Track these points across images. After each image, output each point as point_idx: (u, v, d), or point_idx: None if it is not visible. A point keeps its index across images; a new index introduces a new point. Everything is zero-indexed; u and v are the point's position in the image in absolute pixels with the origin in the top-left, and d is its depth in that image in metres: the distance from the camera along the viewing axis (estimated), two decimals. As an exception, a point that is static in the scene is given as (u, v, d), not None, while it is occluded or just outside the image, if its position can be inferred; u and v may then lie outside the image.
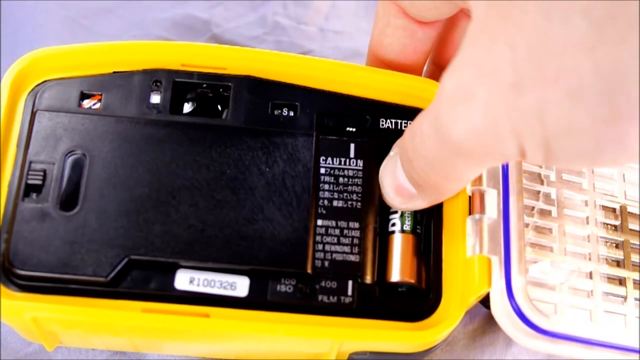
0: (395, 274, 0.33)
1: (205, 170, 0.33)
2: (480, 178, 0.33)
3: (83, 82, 0.34)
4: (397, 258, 0.33)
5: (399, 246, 0.33)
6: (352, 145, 0.34)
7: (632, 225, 0.35)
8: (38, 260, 0.31)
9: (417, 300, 0.33)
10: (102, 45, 0.35)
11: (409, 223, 0.34)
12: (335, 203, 0.33)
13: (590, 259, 0.34)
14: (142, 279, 0.32)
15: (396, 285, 0.33)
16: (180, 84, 0.35)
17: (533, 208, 0.34)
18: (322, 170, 0.34)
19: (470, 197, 0.33)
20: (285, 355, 0.34)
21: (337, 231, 0.33)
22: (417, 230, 0.34)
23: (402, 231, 0.34)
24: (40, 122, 0.33)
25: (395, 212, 0.34)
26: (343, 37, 0.45)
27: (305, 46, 0.45)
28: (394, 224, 0.34)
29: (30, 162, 0.33)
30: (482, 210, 0.33)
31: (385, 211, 0.34)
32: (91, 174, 0.33)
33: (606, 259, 0.35)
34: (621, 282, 0.34)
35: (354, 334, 0.31)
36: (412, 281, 0.33)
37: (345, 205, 0.33)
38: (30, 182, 0.32)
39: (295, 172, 0.33)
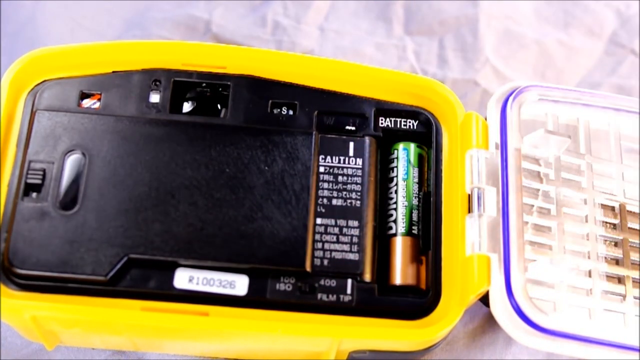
0: (396, 278, 0.33)
1: (205, 169, 0.33)
2: (479, 176, 0.33)
3: (82, 81, 0.34)
4: (396, 262, 0.33)
5: (398, 249, 0.33)
6: (352, 144, 0.34)
7: (631, 223, 0.35)
8: (37, 259, 0.31)
9: (417, 299, 0.33)
10: (102, 45, 0.35)
11: (404, 225, 0.34)
12: (334, 202, 0.33)
13: (589, 258, 0.34)
14: (142, 278, 0.32)
15: (396, 285, 0.33)
16: (180, 83, 0.35)
17: (532, 206, 0.34)
18: (322, 169, 0.34)
19: (469, 195, 0.34)
20: (285, 354, 0.34)
21: (337, 230, 0.33)
22: (413, 231, 0.34)
23: (400, 234, 0.34)
24: (39, 121, 0.33)
25: (391, 214, 0.34)
26: (343, 36, 0.45)
27: (306, 46, 0.45)
28: (390, 227, 0.34)
29: (30, 162, 0.33)
30: (482, 208, 0.33)
31: (383, 211, 0.34)
32: (90, 173, 0.33)
33: (605, 258, 0.35)
34: (620, 280, 0.34)
35: (353, 332, 0.31)
36: (413, 283, 0.33)
37: (344, 204, 0.33)
38: (29, 181, 0.32)
39: (295, 171, 0.33)
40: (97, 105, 0.34)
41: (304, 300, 0.32)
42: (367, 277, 0.32)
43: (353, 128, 0.35)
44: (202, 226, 0.32)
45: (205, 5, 0.45)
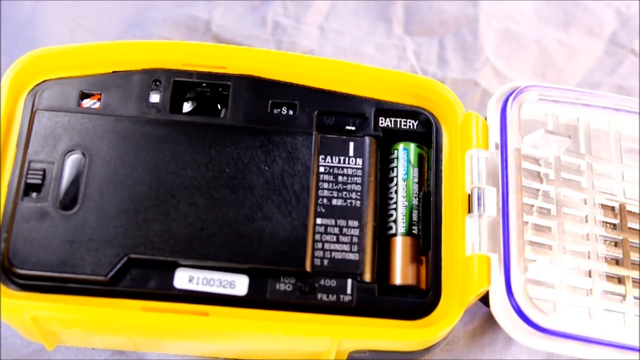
0: (396, 278, 0.33)
1: (205, 169, 0.33)
2: (479, 176, 0.33)
3: (82, 81, 0.34)
4: (396, 262, 0.33)
5: (398, 249, 0.33)
6: (352, 144, 0.34)
7: (631, 223, 0.35)
8: (37, 259, 0.31)
9: (417, 299, 0.33)
10: (102, 45, 0.35)
11: (404, 225, 0.34)
12: (334, 202, 0.33)
13: (589, 258, 0.34)
14: (142, 278, 0.32)
15: (396, 285, 0.33)
16: (180, 83, 0.35)
17: (532, 206, 0.34)
18: (322, 169, 0.34)
19: (469, 195, 0.34)
20: (285, 354, 0.34)
21: (337, 229, 0.33)
22: (413, 231, 0.34)
23: (400, 234, 0.34)
24: (39, 121, 0.33)
25: (391, 214, 0.34)
26: (343, 36, 0.45)
27: (306, 46, 0.45)
28: (390, 227, 0.34)
29: (30, 162, 0.33)
30: (482, 208, 0.33)
31: (383, 211, 0.34)
32: (90, 173, 0.33)
33: (605, 258, 0.35)
34: (620, 280, 0.34)
35: (353, 332, 0.31)
36: (413, 283, 0.33)
37: (344, 204, 0.33)
38: (29, 181, 0.32)
39: (295, 171, 0.33)
40: (97, 105, 0.34)
41: (304, 300, 0.32)
42: (367, 277, 0.32)
43: (353, 128, 0.35)
44: (202, 226, 0.32)
45: (205, 5, 0.45)
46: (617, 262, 0.35)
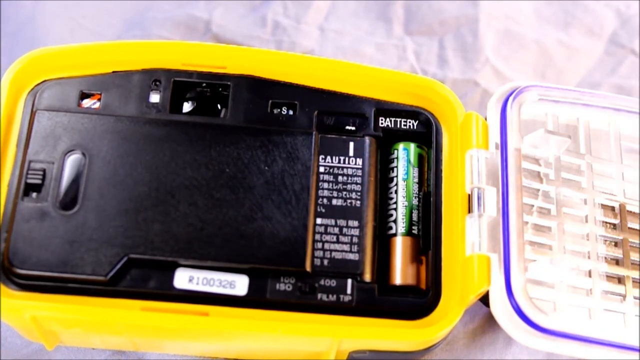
0: (396, 278, 0.33)
1: (205, 169, 0.33)
2: (479, 176, 0.33)
3: (82, 81, 0.34)
4: (397, 261, 0.33)
5: (398, 249, 0.33)
6: (352, 144, 0.34)
7: (631, 223, 0.35)
8: (37, 259, 0.31)
9: (417, 299, 0.33)
10: (102, 45, 0.35)
11: (404, 225, 0.34)
12: (334, 202, 0.33)
13: (589, 258, 0.34)
14: (142, 278, 0.32)
15: (396, 285, 0.33)
16: (180, 83, 0.35)
17: (532, 206, 0.34)
18: (322, 169, 0.34)
19: (469, 195, 0.34)
20: (285, 354, 0.34)
21: (337, 230, 0.33)
22: (413, 231, 0.34)
23: (400, 234, 0.34)
24: (39, 121, 0.33)
25: (391, 214, 0.34)
26: (343, 36, 0.45)
27: (306, 46, 0.45)
28: (390, 227, 0.34)
29: (30, 162, 0.33)
30: (482, 208, 0.33)
31: (383, 211, 0.34)
32: (90, 173, 0.33)
33: (605, 258, 0.35)
34: (620, 280, 0.34)
35: (353, 332, 0.31)
36: (413, 283, 0.33)
37: (344, 204, 0.33)
38: (29, 181, 0.32)
39: (295, 171, 0.33)
40: (97, 105, 0.34)
41: (304, 300, 0.32)
42: (367, 277, 0.32)
43: (353, 128, 0.35)
44: (202, 226, 0.32)
45: (205, 5, 0.45)
46: (617, 262, 0.35)
